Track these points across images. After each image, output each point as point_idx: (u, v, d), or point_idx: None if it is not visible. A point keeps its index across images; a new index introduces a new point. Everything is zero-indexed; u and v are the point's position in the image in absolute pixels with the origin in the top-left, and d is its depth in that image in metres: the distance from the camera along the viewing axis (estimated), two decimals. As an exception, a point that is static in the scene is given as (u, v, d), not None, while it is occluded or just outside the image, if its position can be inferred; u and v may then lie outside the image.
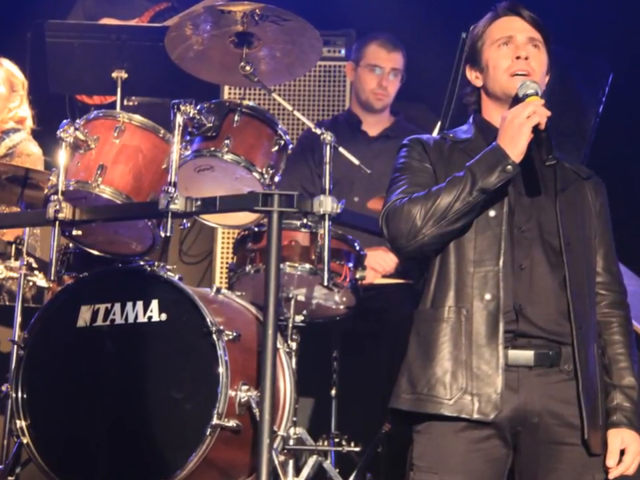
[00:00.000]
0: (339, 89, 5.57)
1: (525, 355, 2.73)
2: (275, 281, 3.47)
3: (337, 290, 4.12)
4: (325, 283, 3.57)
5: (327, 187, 3.60)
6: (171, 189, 3.55)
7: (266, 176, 3.80)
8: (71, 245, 4.07)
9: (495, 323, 2.71)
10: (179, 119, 3.64)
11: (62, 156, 3.76)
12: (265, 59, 4.00)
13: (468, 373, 2.70)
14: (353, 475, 4.15)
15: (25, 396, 3.75)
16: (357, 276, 4.16)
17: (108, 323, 3.69)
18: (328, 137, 3.67)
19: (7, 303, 4.56)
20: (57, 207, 3.70)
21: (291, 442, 3.86)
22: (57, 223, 3.71)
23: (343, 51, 5.56)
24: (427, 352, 2.75)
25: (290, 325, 4.08)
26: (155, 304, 3.65)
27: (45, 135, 4.87)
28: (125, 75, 4.72)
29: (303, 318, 4.19)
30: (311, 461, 3.93)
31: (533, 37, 2.89)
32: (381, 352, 4.37)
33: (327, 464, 3.96)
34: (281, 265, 3.68)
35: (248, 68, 3.89)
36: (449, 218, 2.71)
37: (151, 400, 3.61)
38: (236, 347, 3.61)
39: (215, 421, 3.48)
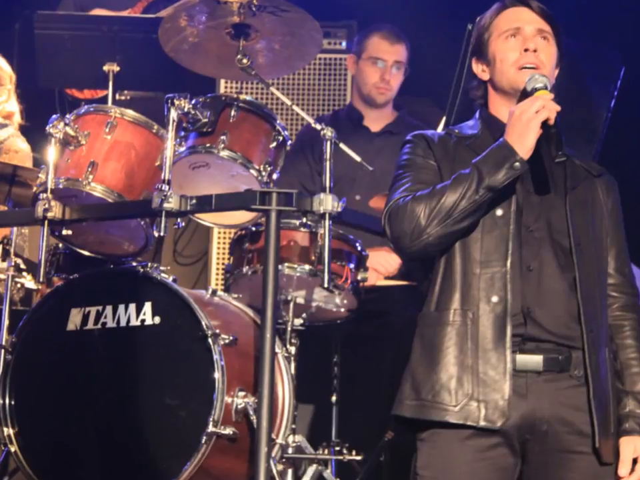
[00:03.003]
0: (339, 82, 5.59)
1: (534, 360, 2.68)
2: (273, 282, 3.45)
3: (338, 292, 4.09)
4: (325, 285, 3.54)
5: (328, 184, 3.58)
6: (165, 187, 3.52)
7: (264, 173, 3.77)
8: (60, 245, 4.07)
9: (502, 327, 2.67)
10: (173, 114, 3.62)
11: (51, 152, 3.74)
12: (262, 51, 4.00)
13: (474, 379, 2.66)
14: (355, 484, 4.20)
15: (12, 402, 3.73)
16: (359, 277, 4.13)
17: (99, 326, 3.68)
18: (328, 132, 3.65)
19: (-6, 306, 4.54)
20: (46, 205, 3.67)
21: (290, 450, 3.86)
22: (46, 222, 3.69)
23: (344, 43, 5.59)
24: (432, 356, 2.71)
25: (289, 329, 4.06)
26: (148, 306, 3.63)
27: (34, 130, 4.87)
28: (117, 68, 4.74)
29: (302, 321, 4.17)
30: (311, 470, 3.94)
31: (542, 28, 2.85)
32: (383, 356, 4.37)
33: (328, 473, 3.97)
34: (280, 266, 3.67)
35: (245, 61, 3.88)
36: (454, 217, 2.68)
37: (144, 406, 3.59)
38: (232, 352, 3.59)
39: (210, 428, 3.47)
